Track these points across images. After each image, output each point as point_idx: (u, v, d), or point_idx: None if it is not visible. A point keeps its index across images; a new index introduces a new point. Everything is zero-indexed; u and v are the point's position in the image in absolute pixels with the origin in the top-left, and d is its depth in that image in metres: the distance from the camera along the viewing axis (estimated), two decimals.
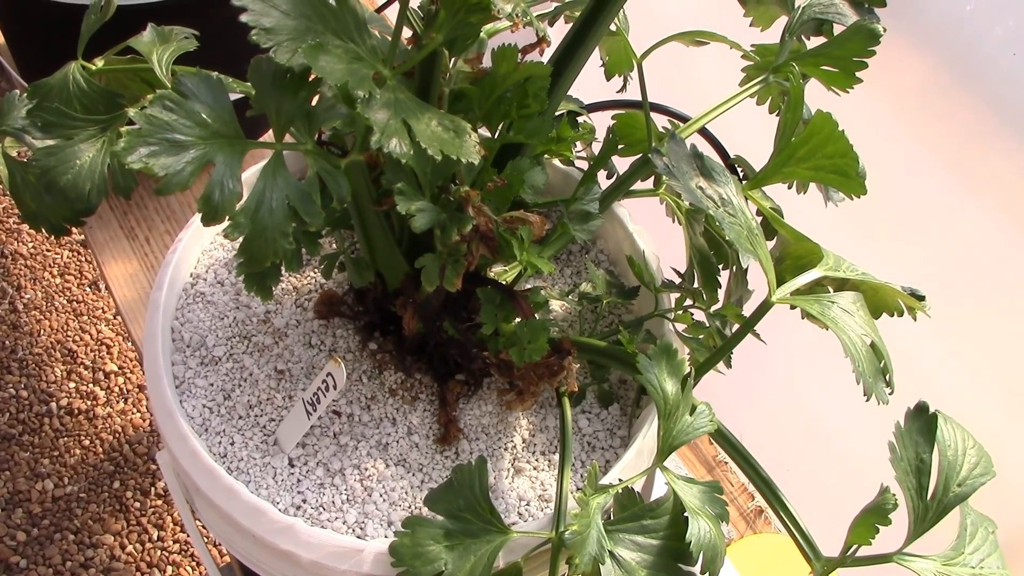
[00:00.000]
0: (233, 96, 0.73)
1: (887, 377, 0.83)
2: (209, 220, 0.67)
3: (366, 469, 0.87)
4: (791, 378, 1.59)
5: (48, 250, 2.38)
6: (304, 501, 0.85)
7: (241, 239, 0.68)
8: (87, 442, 2.08)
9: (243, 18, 0.64)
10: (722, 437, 0.84)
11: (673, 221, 1.10)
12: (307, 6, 0.67)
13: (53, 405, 2.12)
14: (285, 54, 0.66)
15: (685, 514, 0.77)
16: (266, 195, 0.68)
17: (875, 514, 0.71)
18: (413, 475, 0.88)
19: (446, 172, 0.79)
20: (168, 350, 0.90)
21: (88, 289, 2.33)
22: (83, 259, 2.35)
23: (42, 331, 2.24)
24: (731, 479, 1.54)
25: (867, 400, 0.79)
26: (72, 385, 2.16)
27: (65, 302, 2.28)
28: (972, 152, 1.29)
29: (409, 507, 0.86)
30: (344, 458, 0.87)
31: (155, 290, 0.91)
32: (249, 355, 0.92)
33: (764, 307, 0.84)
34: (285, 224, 0.69)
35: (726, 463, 1.54)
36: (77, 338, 2.24)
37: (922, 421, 0.76)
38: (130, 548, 1.94)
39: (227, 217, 0.67)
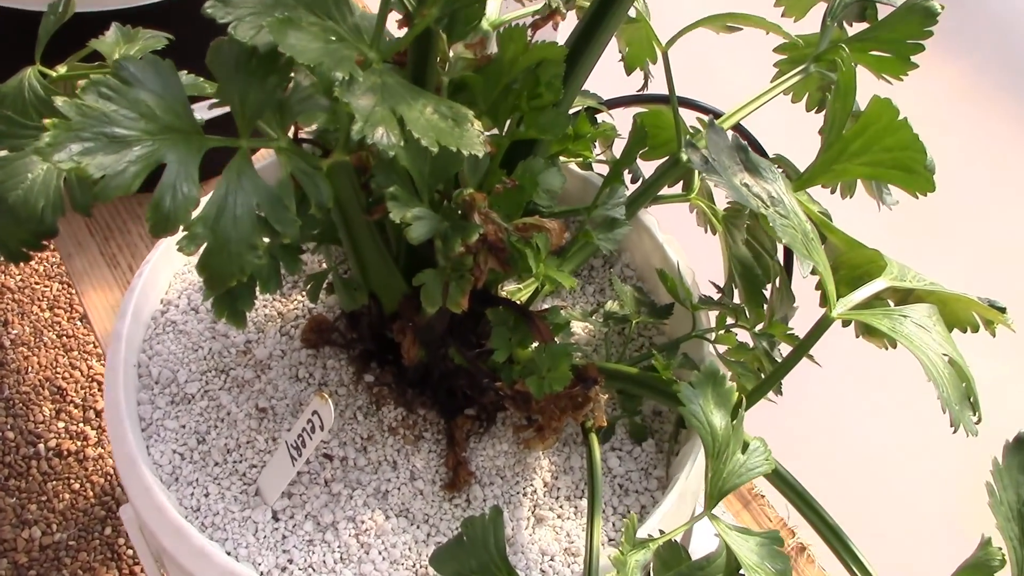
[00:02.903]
0: (209, 113, 0.63)
1: (972, 402, 0.72)
2: (159, 230, 0.57)
3: (362, 522, 0.76)
4: (834, 404, 1.47)
5: (37, 283, 2.29)
6: (290, 561, 0.74)
7: (200, 254, 0.58)
8: (77, 485, 1.97)
9: None
10: (780, 479, 0.72)
11: (706, 231, 0.99)
12: None
13: (41, 447, 2.02)
14: (247, 30, 0.56)
15: (741, 572, 0.66)
16: (229, 200, 0.58)
17: (977, 571, 0.60)
18: (417, 528, 0.77)
19: (446, 173, 0.68)
20: (133, 387, 0.80)
21: (79, 323, 2.23)
22: (73, 292, 2.26)
23: (30, 368, 2.14)
24: (768, 513, 1.42)
25: (955, 432, 0.67)
26: (61, 425, 2.06)
27: (54, 337, 2.19)
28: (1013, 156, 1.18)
29: (413, 566, 0.75)
30: (337, 509, 0.76)
31: (118, 319, 0.81)
32: (227, 391, 0.81)
33: (822, 324, 0.73)
34: (252, 235, 0.58)
35: (763, 496, 1.42)
36: (67, 375, 2.14)
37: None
38: None
39: (181, 227, 0.57)
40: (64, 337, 2.23)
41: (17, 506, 1.93)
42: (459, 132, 0.57)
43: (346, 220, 0.72)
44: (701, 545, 0.94)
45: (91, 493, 1.99)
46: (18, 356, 2.16)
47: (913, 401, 1.27)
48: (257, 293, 0.69)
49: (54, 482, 1.98)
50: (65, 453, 2.03)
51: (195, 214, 0.57)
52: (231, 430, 0.80)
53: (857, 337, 0.88)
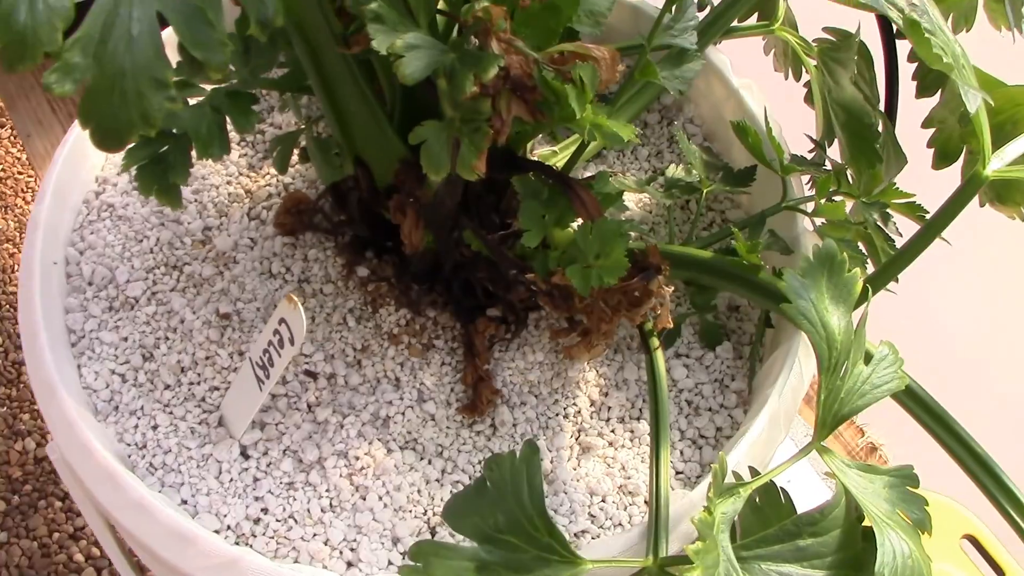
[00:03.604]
0: None
1: None
2: (14, 60, 0.38)
3: (357, 458, 0.59)
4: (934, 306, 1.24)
5: (20, 173, 2.11)
6: (264, 511, 0.57)
7: (81, 96, 0.39)
8: None
9: None
10: (914, 399, 0.54)
11: (786, 77, 0.78)
12: None
13: None
14: None
15: (865, 524, 0.48)
16: (120, 13, 0.39)
17: None
18: (429, 463, 0.60)
19: None
20: (57, 291, 0.62)
21: None
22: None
23: (16, 265, 1.98)
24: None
25: None
26: None
27: None
28: None
29: (424, 513, 0.58)
30: (324, 442, 0.59)
31: (36, 203, 0.63)
32: (180, 293, 0.64)
33: (972, 185, 0.54)
34: (157, 64, 0.39)
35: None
36: None
37: None
38: None
39: (47, 54, 0.38)
40: None
41: (8, 416, 1.80)
42: None
43: (315, 56, 0.53)
44: (794, 487, 0.77)
45: None
46: (2, 254, 2.00)
47: None
48: (199, 159, 0.50)
49: None
50: None
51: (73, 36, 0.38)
52: (185, 343, 0.62)
53: (982, 206, 0.69)
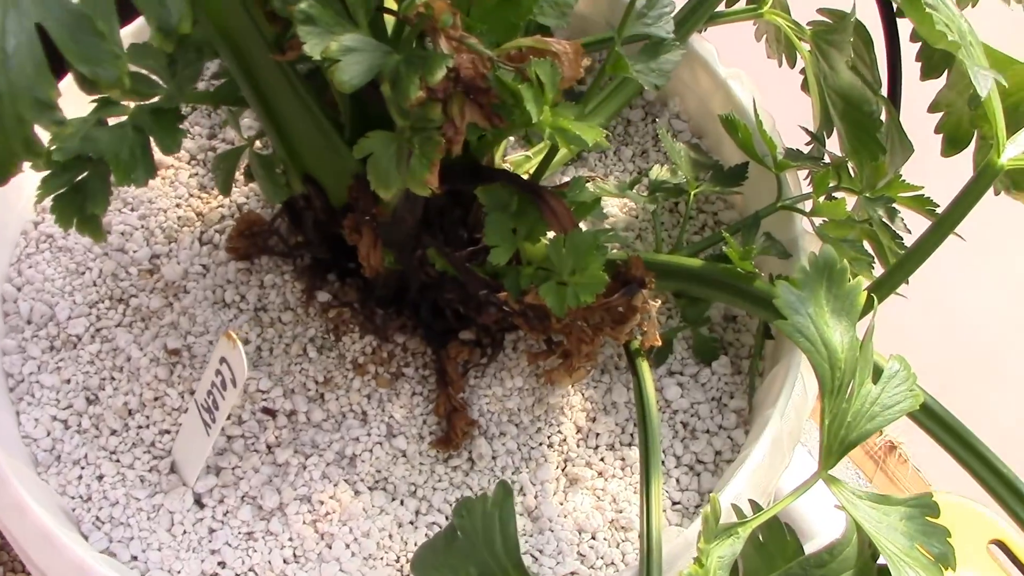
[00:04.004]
0: None
1: None
2: None
3: (321, 503, 0.54)
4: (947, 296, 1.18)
5: None
6: (222, 565, 0.53)
7: None
8: None
9: None
10: (930, 416, 0.48)
11: (780, 64, 0.73)
12: None
13: None
14: None
15: (880, 562, 0.43)
16: None
17: None
18: (401, 505, 0.55)
19: None
20: None
21: None
22: None
23: None
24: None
25: None
26: None
27: None
28: None
29: (396, 561, 0.53)
30: (284, 487, 0.54)
31: None
32: (126, 329, 0.59)
33: (986, 176, 0.48)
34: (40, 83, 0.34)
35: None
36: None
37: None
38: None
39: None
40: None
41: None
42: None
43: (246, 65, 0.48)
44: (805, 517, 0.72)
45: None
46: None
47: None
48: (120, 186, 0.45)
49: None
50: None
51: None
52: (132, 383, 0.57)
53: (997, 195, 0.64)
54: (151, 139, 0.47)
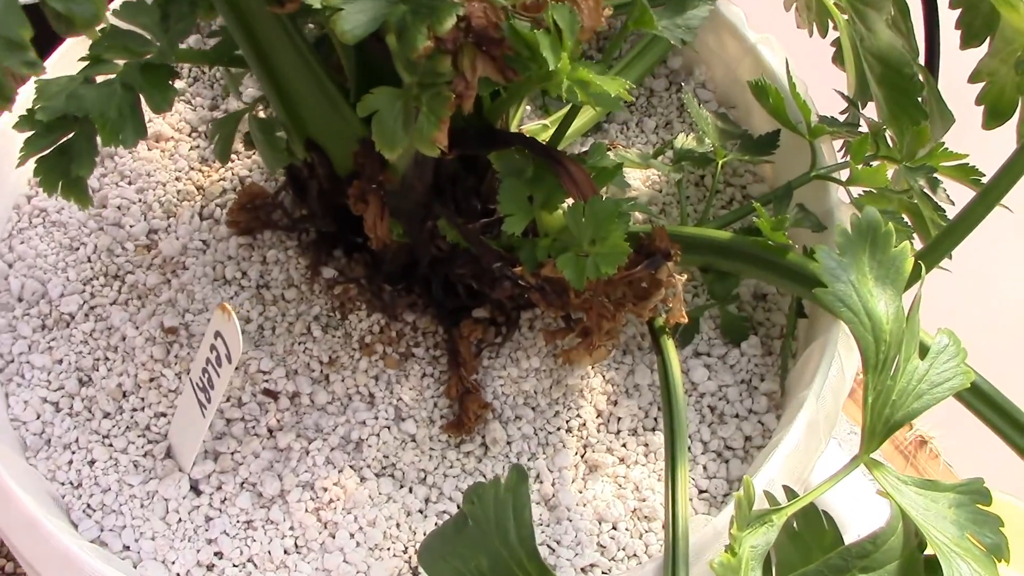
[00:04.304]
0: None
1: None
2: None
3: (325, 489, 0.51)
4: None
5: None
6: (219, 555, 0.50)
7: None
8: None
9: None
10: (980, 397, 0.45)
11: (811, 34, 0.69)
12: None
13: None
14: None
15: (927, 553, 0.40)
16: None
17: None
18: (410, 492, 0.52)
19: None
20: None
21: None
22: None
23: None
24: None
25: None
26: None
27: None
28: None
29: (404, 552, 0.50)
30: (286, 472, 0.51)
31: None
32: (121, 307, 0.56)
33: None
34: (9, 20, 0.31)
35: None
36: None
37: None
38: None
39: None
40: None
41: None
42: None
43: (244, 19, 0.45)
44: (837, 506, 0.68)
45: None
46: None
47: None
48: (107, 146, 0.42)
49: None
50: None
51: None
52: (127, 363, 0.54)
53: None
54: (141, 98, 0.44)
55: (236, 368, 0.54)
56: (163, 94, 0.43)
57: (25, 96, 0.43)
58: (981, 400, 0.46)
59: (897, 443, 1.14)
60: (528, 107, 0.63)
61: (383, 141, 0.43)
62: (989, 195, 0.49)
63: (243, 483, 0.52)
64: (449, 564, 0.43)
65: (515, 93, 0.48)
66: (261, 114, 0.52)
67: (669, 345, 0.52)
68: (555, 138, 0.53)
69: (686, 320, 0.51)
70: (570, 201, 0.48)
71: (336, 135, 0.50)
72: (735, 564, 0.36)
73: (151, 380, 0.54)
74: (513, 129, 0.58)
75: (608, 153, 0.53)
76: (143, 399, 0.53)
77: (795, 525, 0.43)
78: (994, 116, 0.62)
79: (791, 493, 0.45)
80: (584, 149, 0.60)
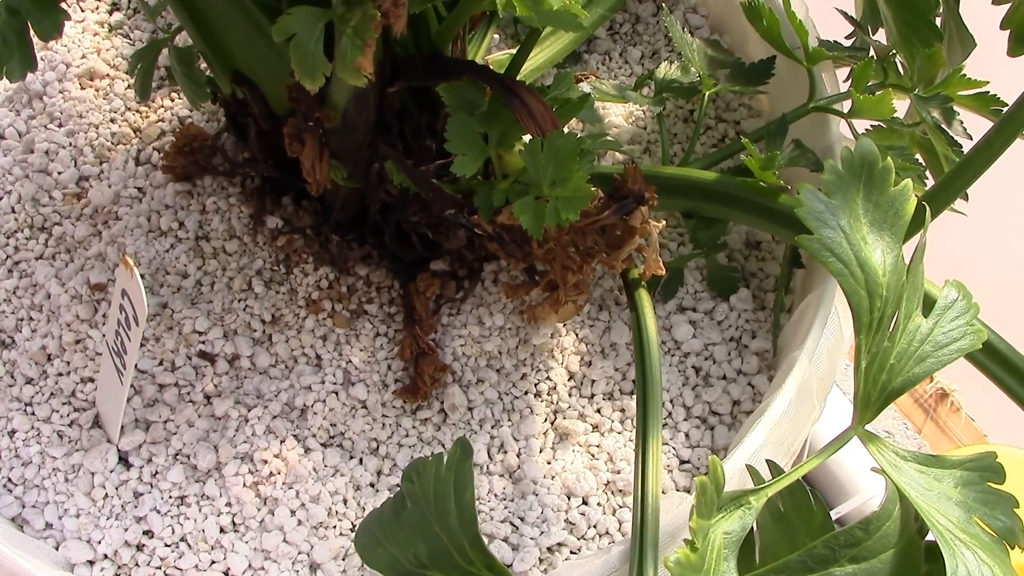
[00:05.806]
0: None
1: None
2: None
3: (265, 462, 0.46)
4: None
5: None
6: (149, 534, 0.46)
7: None
8: None
9: None
10: (995, 357, 0.39)
11: None
12: None
13: None
14: None
15: (928, 538, 0.34)
16: None
17: None
18: (360, 464, 0.47)
19: None
20: None
21: None
22: None
23: None
24: None
25: None
26: None
27: None
28: None
29: (351, 530, 0.46)
30: (223, 443, 0.47)
31: None
32: (47, 261, 0.51)
33: None
34: None
35: None
36: None
37: None
38: None
39: None
40: None
41: None
42: None
43: None
44: (842, 472, 0.63)
45: None
46: None
47: None
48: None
49: None
50: None
51: None
52: (51, 324, 0.50)
53: None
54: (28, 24, 0.39)
55: (170, 329, 0.49)
56: (51, 18, 0.38)
57: None
58: (996, 361, 0.40)
59: (916, 396, 1.08)
60: (497, 36, 0.58)
61: (302, 69, 0.37)
62: (1008, 126, 0.43)
63: (176, 455, 0.47)
64: (386, 550, 0.38)
65: (460, 13, 0.42)
66: (182, 44, 0.46)
67: (644, 297, 0.47)
68: (513, 67, 0.47)
69: (663, 272, 0.46)
70: (528, 138, 0.43)
71: (266, 66, 0.45)
72: (695, 561, 0.31)
73: (77, 342, 0.49)
74: (478, 58, 0.52)
75: (581, 85, 0.48)
76: (68, 363, 0.49)
77: (780, 505, 0.38)
78: (1021, 41, 0.56)
79: (776, 468, 0.40)
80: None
